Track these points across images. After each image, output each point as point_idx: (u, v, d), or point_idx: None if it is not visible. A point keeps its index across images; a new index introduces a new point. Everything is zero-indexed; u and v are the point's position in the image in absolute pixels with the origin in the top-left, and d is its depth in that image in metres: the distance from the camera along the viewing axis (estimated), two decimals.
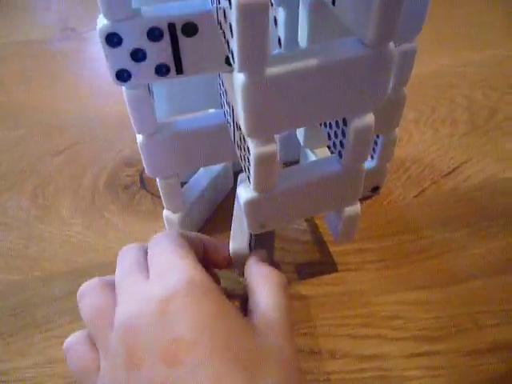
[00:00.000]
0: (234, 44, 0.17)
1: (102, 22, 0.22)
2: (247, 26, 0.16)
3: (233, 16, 0.16)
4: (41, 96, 0.49)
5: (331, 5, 0.21)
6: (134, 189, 0.39)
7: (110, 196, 0.39)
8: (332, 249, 0.35)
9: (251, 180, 0.23)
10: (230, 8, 0.16)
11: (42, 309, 0.32)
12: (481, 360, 0.29)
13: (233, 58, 0.19)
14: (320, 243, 0.35)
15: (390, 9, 0.18)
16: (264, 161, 0.22)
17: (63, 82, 0.51)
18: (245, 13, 0.16)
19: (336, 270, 0.33)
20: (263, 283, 0.25)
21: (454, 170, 0.40)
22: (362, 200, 0.37)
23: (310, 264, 0.34)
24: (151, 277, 0.23)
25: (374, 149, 0.35)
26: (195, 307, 0.21)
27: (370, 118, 0.22)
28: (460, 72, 0.50)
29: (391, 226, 0.36)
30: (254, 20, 0.16)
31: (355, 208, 0.28)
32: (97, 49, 0.56)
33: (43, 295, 0.33)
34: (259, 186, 0.23)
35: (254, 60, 0.18)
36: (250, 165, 0.23)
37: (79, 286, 0.32)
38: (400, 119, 0.32)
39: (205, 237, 0.29)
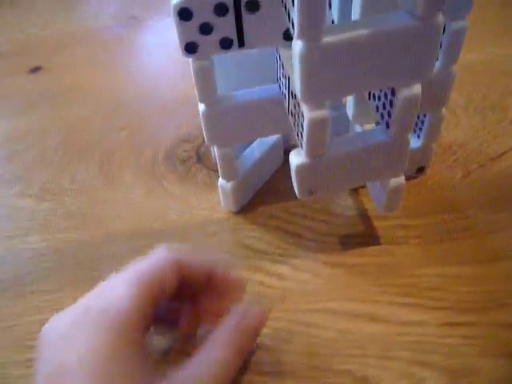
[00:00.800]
0: (295, 13, 0.20)
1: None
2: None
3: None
4: (105, 78, 0.52)
5: None
6: (191, 162, 0.42)
7: (168, 168, 0.42)
8: (376, 223, 0.36)
9: (303, 145, 0.25)
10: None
11: (107, 263, 0.35)
12: None
13: (293, 27, 0.21)
14: (364, 218, 0.37)
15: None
16: (317, 125, 0.24)
17: (125, 66, 0.54)
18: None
19: (379, 243, 0.35)
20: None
21: (501, 154, 0.41)
22: (407, 180, 0.39)
23: (353, 236, 0.36)
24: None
25: (420, 128, 0.36)
26: (92, 338, 0.21)
27: (417, 89, 0.24)
28: None
29: (435, 205, 0.37)
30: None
31: (400, 179, 0.30)
32: (156, 36, 0.59)
33: (108, 250, 0.36)
34: (311, 151, 0.25)
35: (312, 28, 0.20)
36: (303, 130, 0.25)
37: (139, 243, 0.36)
38: (447, 98, 0.33)
39: (220, 272, 0.27)
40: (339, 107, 0.39)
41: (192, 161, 0.42)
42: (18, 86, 0.53)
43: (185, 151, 0.43)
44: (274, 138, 0.37)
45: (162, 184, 0.40)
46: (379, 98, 0.27)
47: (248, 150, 0.37)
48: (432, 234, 0.35)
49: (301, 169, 0.27)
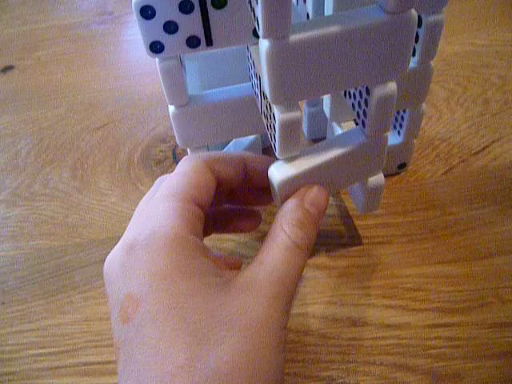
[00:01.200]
0: (259, 11, 0.18)
1: None
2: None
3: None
4: (79, 76, 0.51)
5: None
6: (167, 163, 0.41)
7: (144, 170, 0.41)
8: (357, 223, 0.35)
9: (276, 146, 0.24)
10: None
11: (81, 272, 0.34)
12: (502, 333, 0.29)
13: (258, 26, 0.20)
14: (346, 217, 0.36)
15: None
16: (288, 126, 0.23)
17: (100, 64, 0.53)
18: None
19: (361, 243, 0.34)
20: (282, 235, 0.22)
21: (483, 148, 0.40)
22: (388, 176, 0.38)
23: (335, 237, 0.35)
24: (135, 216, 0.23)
25: (400, 124, 0.35)
26: (149, 261, 0.19)
27: (392, 87, 0.23)
28: (496, 52, 0.49)
29: (417, 202, 0.36)
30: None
31: (379, 178, 0.29)
32: (132, 31, 0.57)
33: (81, 260, 0.35)
34: (284, 153, 0.24)
35: (278, 26, 0.19)
36: (275, 132, 0.24)
37: None
38: (426, 93, 0.32)
39: (251, 157, 0.26)
40: (316, 103, 0.38)
41: (168, 161, 0.41)
42: None
43: (161, 151, 0.42)
44: (250, 137, 0.36)
45: (137, 187, 0.39)
46: (355, 97, 0.26)
47: (224, 150, 0.36)
48: (414, 232, 0.34)
49: (283, 185, 0.25)
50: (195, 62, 0.32)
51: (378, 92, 0.23)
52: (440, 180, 0.38)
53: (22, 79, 0.52)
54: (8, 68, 0.53)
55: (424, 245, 0.34)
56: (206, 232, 0.27)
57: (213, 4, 0.24)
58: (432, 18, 0.27)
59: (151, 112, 0.46)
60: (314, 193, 0.24)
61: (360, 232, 0.35)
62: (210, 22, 0.24)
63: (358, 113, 0.26)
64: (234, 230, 0.29)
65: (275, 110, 0.23)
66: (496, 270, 0.32)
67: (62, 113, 0.47)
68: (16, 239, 0.37)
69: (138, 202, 0.37)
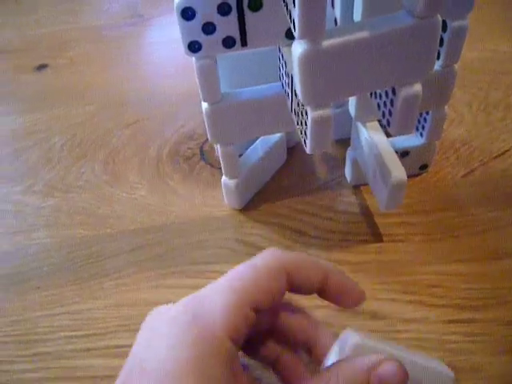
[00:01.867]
0: (296, 14, 0.20)
1: None
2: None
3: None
4: (109, 76, 0.53)
5: None
6: (195, 160, 0.42)
7: (172, 166, 0.42)
8: (378, 220, 0.36)
9: (307, 143, 0.26)
10: None
11: (111, 260, 0.36)
12: None
13: (294, 28, 0.21)
14: (367, 215, 0.37)
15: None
16: (320, 123, 0.24)
17: (129, 64, 0.55)
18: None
19: (381, 241, 0.35)
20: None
21: (504, 152, 0.41)
22: (410, 177, 0.39)
23: (356, 233, 0.36)
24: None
25: (423, 126, 0.36)
26: (167, 340, 0.19)
27: (417, 87, 0.24)
28: None
29: (437, 203, 0.37)
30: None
31: (401, 175, 0.30)
32: (160, 33, 0.59)
33: (112, 249, 0.36)
34: (315, 148, 0.26)
35: (313, 29, 0.20)
36: (307, 128, 0.25)
37: (143, 241, 0.36)
38: (450, 96, 0.33)
39: (335, 273, 0.23)
40: (342, 104, 0.39)
41: (196, 158, 0.43)
42: (23, 84, 0.54)
43: (189, 148, 0.44)
44: (277, 136, 0.38)
45: (166, 182, 0.41)
46: (380, 97, 0.27)
47: (251, 147, 0.37)
48: (434, 231, 0.35)
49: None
50: (226, 60, 0.33)
51: (404, 92, 0.24)
52: (460, 182, 0.39)
53: (56, 77, 0.54)
54: (43, 66, 0.55)
55: (442, 244, 0.35)
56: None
57: (249, 6, 0.25)
58: (457, 24, 0.29)
59: (179, 111, 0.48)
60: (388, 370, 0.20)
61: (381, 230, 0.36)
62: (246, 23, 0.26)
63: (383, 112, 0.27)
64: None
65: (308, 107, 0.24)
66: (511, 271, 0.33)
67: (93, 110, 0.49)
68: (50, 228, 0.39)
69: (166, 196, 0.39)
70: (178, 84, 0.50)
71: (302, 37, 0.20)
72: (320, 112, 0.24)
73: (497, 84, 0.47)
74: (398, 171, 0.30)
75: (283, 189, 0.39)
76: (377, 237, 0.35)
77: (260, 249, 0.35)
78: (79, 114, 0.48)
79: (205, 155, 0.43)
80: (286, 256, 0.22)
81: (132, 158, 0.43)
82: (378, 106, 0.28)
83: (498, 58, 0.50)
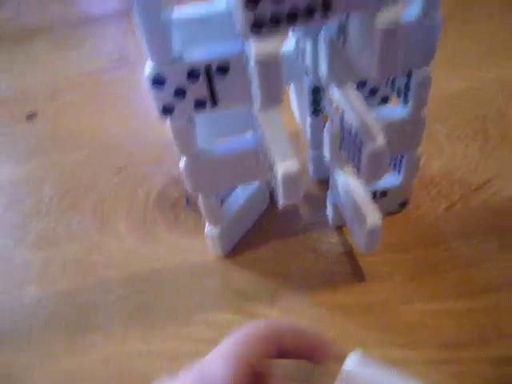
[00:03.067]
0: (256, 87, 0.21)
1: (149, 66, 0.26)
2: (263, 75, 0.20)
3: (252, 65, 0.20)
4: (98, 121, 0.54)
5: (342, 45, 0.25)
6: (181, 205, 0.43)
7: (159, 212, 0.43)
8: (361, 260, 0.37)
9: (279, 197, 0.26)
10: (250, 59, 0.20)
11: (100, 312, 0.36)
12: (504, 368, 0.30)
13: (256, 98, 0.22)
14: (350, 254, 0.37)
15: (390, 52, 0.21)
16: (289, 180, 0.25)
17: (117, 107, 0.56)
18: (260, 64, 0.19)
19: (364, 280, 0.36)
20: None
21: (484, 183, 0.41)
22: (390, 214, 0.39)
23: (340, 274, 0.36)
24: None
25: (400, 166, 0.37)
26: None
27: (380, 142, 0.25)
28: (495, 87, 0.51)
29: (419, 239, 0.38)
30: (269, 69, 0.19)
31: (376, 221, 0.31)
32: None
33: (101, 300, 0.37)
34: (286, 203, 0.26)
35: (272, 100, 0.21)
36: (276, 184, 0.26)
37: (132, 290, 0.37)
38: (421, 140, 0.34)
39: (302, 332, 0.25)
40: (318, 147, 0.40)
41: (182, 203, 0.43)
42: (15, 133, 0.55)
43: (175, 193, 0.44)
44: (254, 184, 0.39)
45: (153, 229, 0.42)
46: (348, 151, 0.28)
47: (232, 195, 0.38)
48: (416, 268, 0.36)
49: None
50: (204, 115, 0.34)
51: (369, 148, 0.25)
52: (441, 216, 0.39)
53: (46, 126, 0.55)
54: (33, 115, 0.57)
55: (425, 281, 0.35)
56: None
57: (217, 71, 0.26)
58: (419, 74, 0.30)
59: (166, 154, 0.49)
60: None
61: (364, 269, 0.36)
62: (215, 86, 0.27)
63: (353, 163, 0.28)
64: None
65: (277, 165, 0.25)
66: (496, 305, 0.33)
67: (82, 157, 0.50)
68: (41, 281, 0.39)
69: (153, 243, 0.40)
70: (164, 128, 0.51)
71: (262, 109, 0.22)
72: (289, 169, 0.25)
73: (475, 114, 0.48)
74: (373, 217, 0.31)
75: (267, 232, 0.40)
76: (360, 276, 0.36)
77: (246, 295, 0.36)
78: (68, 162, 0.50)
79: (190, 200, 0.43)
80: (282, 325, 0.24)
81: (120, 205, 0.44)
82: (348, 157, 0.29)
83: (476, 87, 0.51)
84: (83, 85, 0.61)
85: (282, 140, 0.27)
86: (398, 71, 0.22)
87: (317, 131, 0.38)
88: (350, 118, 0.27)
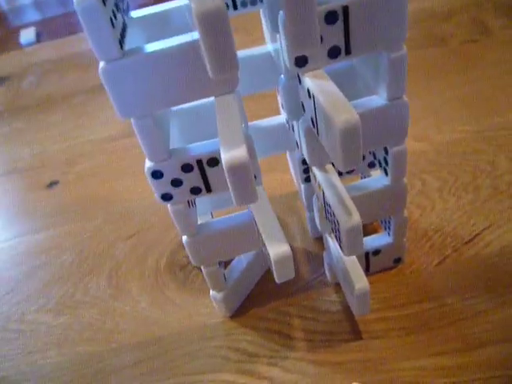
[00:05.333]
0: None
1: (147, 163, 0.29)
2: (232, 179, 0.23)
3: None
4: (112, 188, 0.58)
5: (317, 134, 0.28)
6: (189, 268, 0.46)
7: (169, 275, 0.46)
8: (359, 318, 0.39)
9: (274, 274, 0.29)
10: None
11: (116, 376, 0.39)
12: None
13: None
14: (347, 313, 0.39)
15: (352, 148, 0.24)
16: (282, 262, 0.28)
17: (130, 174, 0.60)
18: (231, 170, 0.22)
19: (361, 338, 0.38)
20: None
21: (475, 236, 0.43)
22: (386, 270, 0.42)
23: (338, 332, 0.38)
24: None
25: (389, 226, 0.39)
26: None
27: (356, 219, 0.27)
28: (484, 137, 0.53)
29: (413, 295, 0.40)
30: (239, 173, 0.22)
31: (364, 286, 0.33)
32: None
33: (116, 364, 0.40)
34: (280, 279, 0.29)
35: (246, 199, 0.24)
36: (270, 263, 0.28)
37: (144, 354, 0.40)
38: (405, 205, 0.36)
39: None
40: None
41: (190, 266, 0.46)
42: (36, 202, 0.59)
43: (184, 257, 0.48)
44: (251, 253, 0.41)
45: (164, 292, 0.45)
46: (332, 223, 0.31)
47: (235, 260, 0.41)
48: (411, 324, 0.38)
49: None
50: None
51: (347, 225, 0.27)
52: (434, 271, 0.41)
53: (65, 193, 0.59)
54: (54, 183, 0.61)
55: (419, 337, 0.37)
56: None
57: (208, 164, 0.30)
58: (396, 149, 0.32)
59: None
60: None
61: (361, 327, 0.38)
62: (207, 176, 0.30)
63: (335, 233, 0.31)
64: None
65: (269, 249, 0.28)
66: (488, 361, 0.35)
67: (98, 224, 0.54)
68: (61, 346, 0.42)
69: (164, 307, 0.43)
70: None
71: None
72: (280, 254, 0.27)
73: (465, 165, 0.50)
74: (361, 283, 0.33)
75: (269, 292, 0.42)
76: (357, 334, 0.38)
77: (249, 355, 0.38)
78: (86, 229, 0.53)
79: None
80: None
81: (133, 270, 0.47)
82: (332, 229, 0.31)
83: (466, 139, 0.53)
84: (98, 152, 0.65)
85: (273, 223, 0.30)
86: (360, 161, 0.24)
87: (310, 196, 0.41)
88: (328, 198, 0.29)
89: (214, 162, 0.29)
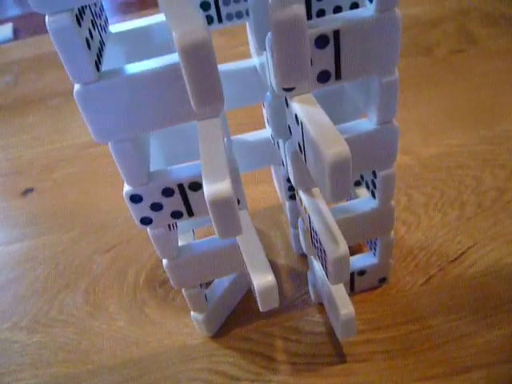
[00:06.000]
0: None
1: (126, 187, 0.28)
2: (216, 214, 0.21)
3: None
4: (91, 197, 0.56)
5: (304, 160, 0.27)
6: (169, 284, 0.45)
7: (149, 292, 0.45)
8: (342, 340, 0.38)
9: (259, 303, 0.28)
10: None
11: None
12: None
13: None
14: (331, 334, 0.39)
15: (340, 181, 0.23)
16: (266, 292, 0.26)
17: (110, 183, 0.58)
18: (214, 204, 0.21)
19: (345, 361, 0.37)
20: None
21: (460, 255, 0.43)
22: (370, 290, 0.41)
23: (322, 355, 0.38)
24: None
25: (375, 247, 0.38)
26: None
27: (343, 249, 0.27)
28: (469, 151, 0.53)
29: (398, 316, 0.39)
30: (222, 208, 0.21)
31: (350, 312, 0.32)
32: None
33: None
34: (264, 308, 0.28)
35: (229, 233, 0.23)
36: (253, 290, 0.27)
37: (121, 377, 0.38)
38: (392, 226, 0.35)
39: None
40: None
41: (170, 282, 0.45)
42: (11, 211, 0.57)
43: (164, 272, 0.46)
44: (232, 276, 0.40)
45: (143, 310, 0.43)
46: (318, 249, 0.30)
47: (216, 280, 0.40)
48: (395, 347, 0.37)
49: None
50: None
51: (333, 254, 0.26)
52: (419, 291, 0.41)
53: (41, 202, 0.57)
54: (29, 190, 0.59)
55: (404, 361, 0.36)
56: None
57: (190, 188, 0.28)
58: (384, 172, 0.32)
59: None
60: None
61: (345, 350, 0.37)
62: (189, 200, 0.29)
63: (320, 259, 0.30)
64: None
65: (253, 279, 0.26)
66: None
67: (75, 236, 0.52)
68: (35, 367, 0.41)
69: (144, 326, 0.42)
70: None
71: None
72: (266, 284, 0.26)
73: (451, 181, 0.50)
74: (347, 309, 0.32)
75: (251, 311, 0.41)
76: (342, 357, 0.37)
77: (230, 378, 0.37)
78: (62, 241, 0.51)
79: None
80: None
81: (111, 286, 0.46)
82: (317, 255, 0.30)
83: (452, 153, 0.53)
84: (78, 158, 0.63)
85: (257, 250, 0.28)
86: (349, 195, 0.23)
87: (295, 213, 0.40)
88: (314, 224, 0.28)
89: (197, 186, 0.28)
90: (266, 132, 0.40)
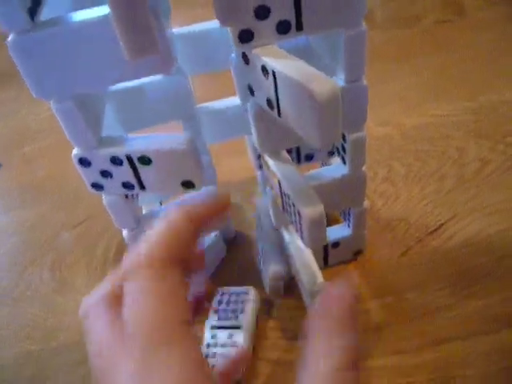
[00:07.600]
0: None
1: (74, 149, 0.26)
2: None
3: None
4: (63, 170, 0.54)
5: (277, 116, 0.25)
6: None
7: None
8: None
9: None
10: None
11: (56, 379, 0.36)
12: None
13: None
14: (302, 308, 0.37)
15: (331, 122, 0.21)
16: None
17: None
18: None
19: None
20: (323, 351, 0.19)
21: (439, 227, 0.41)
22: (346, 262, 0.39)
23: (289, 330, 0.36)
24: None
25: (349, 218, 0.37)
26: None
27: (319, 209, 0.25)
28: (454, 122, 0.51)
29: (374, 289, 0.38)
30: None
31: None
32: None
33: (57, 365, 0.37)
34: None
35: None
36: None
37: (86, 355, 0.37)
38: (364, 195, 0.34)
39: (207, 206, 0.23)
40: None
41: None
42: None
43: None
44: (212, 235, 0.39)
45: None
46: (291, 215, 0.28)
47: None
48: (370, 320, 0.36)
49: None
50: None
51: (308, 215, 0.25)
52: (396, 264, 0.39)
53: (10, 177, 0.55)
54: None
55: (379, 334, 0.35)
56: None
57: (139, 161, 0.26)
58: (354, 135, 0.30)
59: None
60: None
61: None
62: (140, 172, 0.27)
63: (296, 228, 0.28)
64: None
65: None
66: (447, 359, 0.33)
67: (44, 211, 0.50)
68: (1, 343, 0.39)
69: None
70: None
71: None
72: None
73: (433, 152, 0.48)
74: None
75: (226, 281, 0.39)
76: None
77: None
78: (30, 216, 0.50)
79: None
80: (187, 207, 0.22)
81: (79, 261, 0.44)
82: (290, 220, 0.29)
83: (435, 123, 0.51)
84: (50, 131, 0.61)
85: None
86: (339, 138, 0.22)
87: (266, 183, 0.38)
88: (286, 188, 0.27)
89: (145, 160, 0.26)
90: (236, 100, 0.38)
